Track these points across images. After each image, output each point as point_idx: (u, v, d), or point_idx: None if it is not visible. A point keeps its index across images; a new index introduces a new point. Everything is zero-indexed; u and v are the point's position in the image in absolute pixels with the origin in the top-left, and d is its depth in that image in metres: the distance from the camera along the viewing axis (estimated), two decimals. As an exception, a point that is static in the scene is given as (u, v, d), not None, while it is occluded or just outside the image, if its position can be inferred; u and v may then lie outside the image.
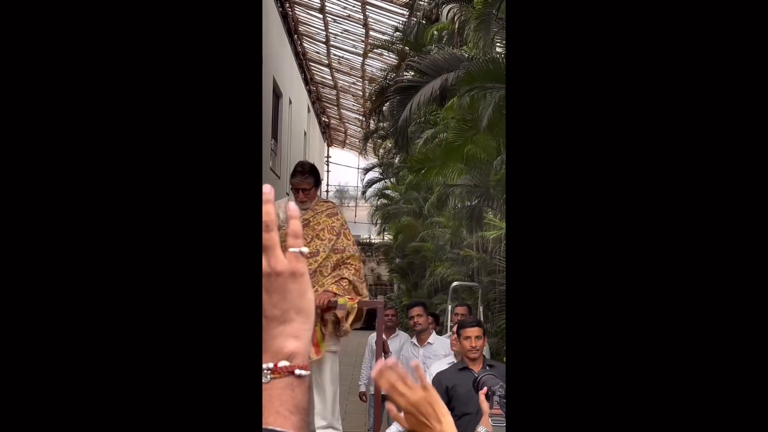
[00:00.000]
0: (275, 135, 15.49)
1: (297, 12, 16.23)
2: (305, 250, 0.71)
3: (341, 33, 16.22)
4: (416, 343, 4.99)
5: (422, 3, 10.77)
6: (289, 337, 0.66)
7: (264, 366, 0.65)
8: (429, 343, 4.91)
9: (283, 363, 0.65)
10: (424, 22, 10.71)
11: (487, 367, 3.24)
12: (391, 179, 17.36)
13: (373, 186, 19.27)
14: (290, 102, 17.09)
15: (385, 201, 17.88)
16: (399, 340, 5.47)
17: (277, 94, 15.39)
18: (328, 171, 29.63)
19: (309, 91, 21.24)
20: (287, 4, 15.43)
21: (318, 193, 3.96)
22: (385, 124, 13.69)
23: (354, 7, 14.46)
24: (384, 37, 13.94)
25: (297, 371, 0.65)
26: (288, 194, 17.45)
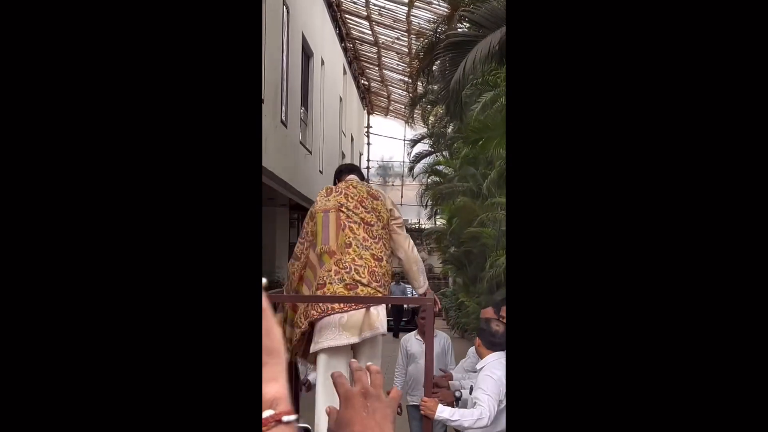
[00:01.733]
0: (305, 102, 15.57)
1: (329, -45, 16.25)
2: (264, 280, 0.78)
3: (382, -21, 16.19)
4: None
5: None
6: (266, 382, 0.70)
7: None
8: None
9: (267, 413, 0.69)
10: (480, -38, 10.59)
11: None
12: (444, 152, 17.30)
13: (423, 161, 19.21)
14: (323, 62, 17.15)
15: (437, 179, 17.82)
16: (439, 342, 5.44)
17: (306, 54, 15.45)
18: (368, 143, 29.71)
19: (345, 50, 21.24)
20: (317, -53, 15.45)
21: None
22: (435, 87, 13.61)
23: (396, -53, 14.39)
24: (433, -17, 13.87)
25: (284, 418, 0.69)
26: (321, 172, 17.55)
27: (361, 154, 28.33)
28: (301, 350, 3.80)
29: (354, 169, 4.22)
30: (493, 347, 3.70)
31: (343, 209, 3.68)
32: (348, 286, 3.55)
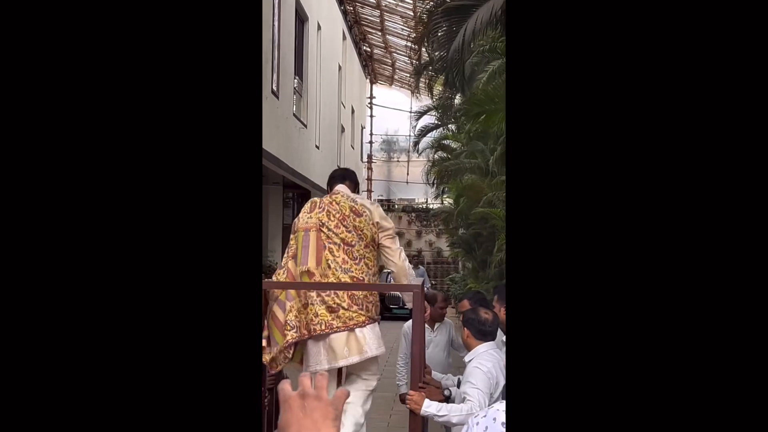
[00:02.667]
0: (299, 71, 15.55)
1: None
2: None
3: (383, -65, 16.07)
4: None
5: None
6: None
7: None
8: None
9: None
10: None
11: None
12: (451, 126, 17.24)
13: (429, 135, 19.11)
14: (319, 27, 17.09)
15: (444, 154, 17.78)
16: (446, 329, 5.65)
17: (301, 18, 15.39)
18: (371, 116, 29.66)
19: (344, 13, 21.12)
20: None
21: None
22: (437, 54, 13.55)
23: None
24: (438, -61, 13.76)
25: None
26: (317, 147, 17.47)
27: (363, 128, 28.29)
28: (289, 358, 3.93)
29: (346, 176, 4.32)
30: (484, 337, 3.75)
31: (324, 229, 3.87)
32: (330, 309, 3.77)
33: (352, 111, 24.61)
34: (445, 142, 17.75)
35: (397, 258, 4.05)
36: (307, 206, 4.06)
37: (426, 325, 5.43)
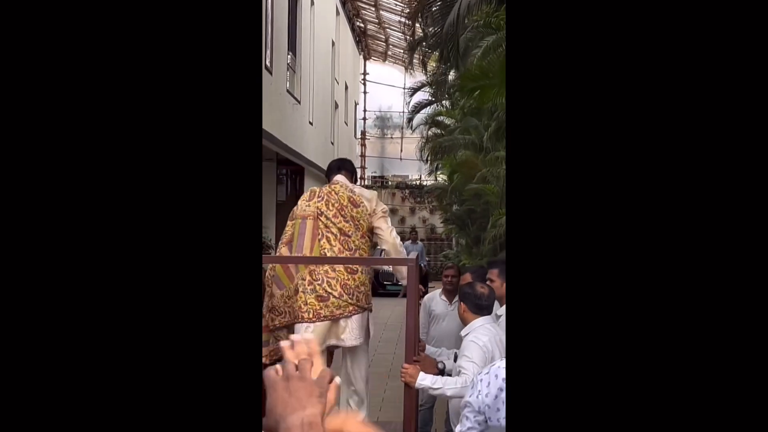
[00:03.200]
0: (293, 47, 15.47)
1: None
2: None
3: None
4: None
5: None
6: None
7: None
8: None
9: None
10: None
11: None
12: (445, 102, 17.20)
13: (423, 111, 19.07)
14: (312, 2, 16.99)
15: (438, 130, 17.75)
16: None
17: (294, -7, 15.29)
18: (365, 92, 29.55)
19: (337, -12, 20.99)
20: None
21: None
22: (432, 30, 13.49)
23: None
24: None
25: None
26: (310, 123, 17.40)
27: (356, 104, 28.19)
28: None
29: (343, 166, 4.40)
30: (481, 311, 3.76)
31: (322, 218, 3.97)
32: (319, 298, 3.86)
33: (346, 87, 24.51)
34: (438, 118, 17.71)
35: (388, 236, 4.16)
36: (306, 195, 4.19)
37: (444, 299, 5.63)
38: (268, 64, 12.58)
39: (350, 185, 4.20)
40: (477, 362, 3.47)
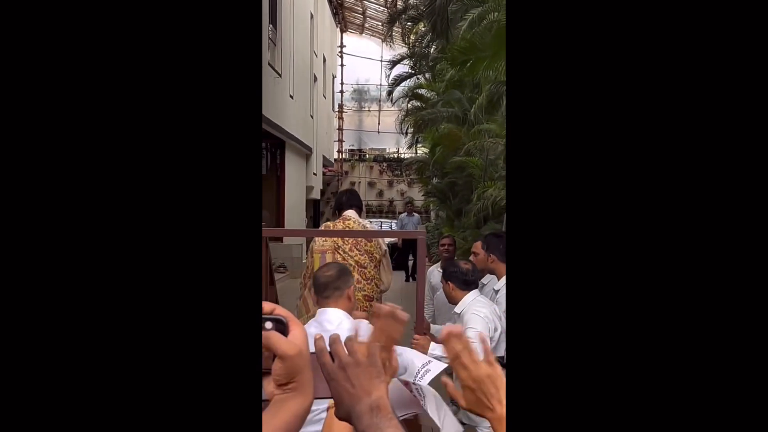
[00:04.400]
0: (273, 20, 15.31)
1: None
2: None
3: None
4: None
5: None
6: None
7: None
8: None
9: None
10: None
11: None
12: (426, 75, 17.15)
13: (402, 84, 19.01)
14: (291, -26, 16.78)
15: (418, 103, 17.71)
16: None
17: (274, -35, 15.10)
18: (342, 65, 29.35)
19: (315, -40, 20.75)
20: None
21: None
22: (416, 2, 13.42)
23: None
24: None
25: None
26: (291, 97, 17.28)
27: (334, 77, 28.02)
28: None
29: (352, 202, 4.66)
30: (468, 286, 3.84)
31: (339, 251, 4.27)
32: None
33: (324, 60, 24.33)
34: (419, 91, 17.64)
35: (387, 275, 4.52)
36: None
37: (440, 269, 5.78)
38: (250, 36, 12.42)
39: (361, 220, 4.48)
40: (483, 332, 3.51)
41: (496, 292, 4.21)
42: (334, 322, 2.96)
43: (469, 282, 3.84)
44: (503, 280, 4.23)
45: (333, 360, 1.14)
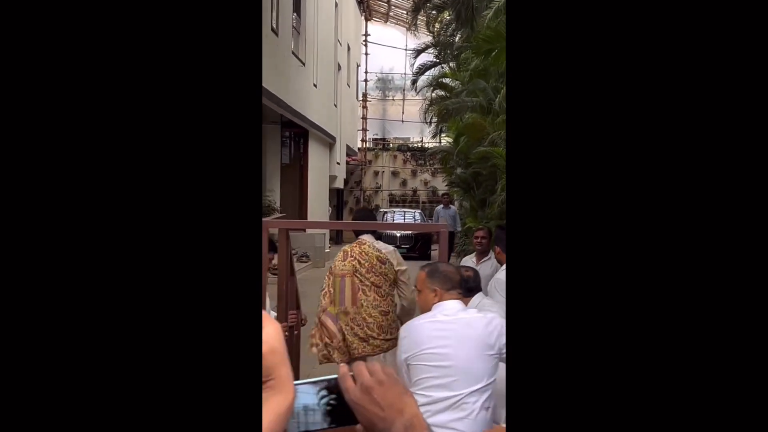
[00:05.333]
0: (297, 8, 15.19)
1: None
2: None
3: None
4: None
5: None
6: None
7: None
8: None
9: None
10: None
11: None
12: (450, 64, 17.01)
13: (427, 73, 18.92)
14: (316, -37, 16.67)
15: (443, 93, 17.57)
16: (491, 264, 5.88)
17: (298, -47, 14.99)
18: (366, 54, 29.21)
19: (340, -52, 20.62)
20: None
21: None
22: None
23: None
24: None
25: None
26: (315, 85, 17.32)
27: (358, 66, 27.89)
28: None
29: (369, 226, 5.12)
30: (471, 292, 4.02)
31: (357, 274, 4.67)
32: (361, 339, 4.64)
33: (348, 49, 24.21)
34: (444, 80, 17.48)
35: (408, 292, 4.79)
36: (340, 255, 4.84)
37: (474, 259, 6.22)
38: (273, 25, 12.34)
39: (375, 244, 4.84)
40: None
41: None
42: (450, 313, 3.18)
43: (471, 288, 4.00)
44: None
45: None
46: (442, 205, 17.24)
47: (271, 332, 1.00)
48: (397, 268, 4.80)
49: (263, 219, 4.94)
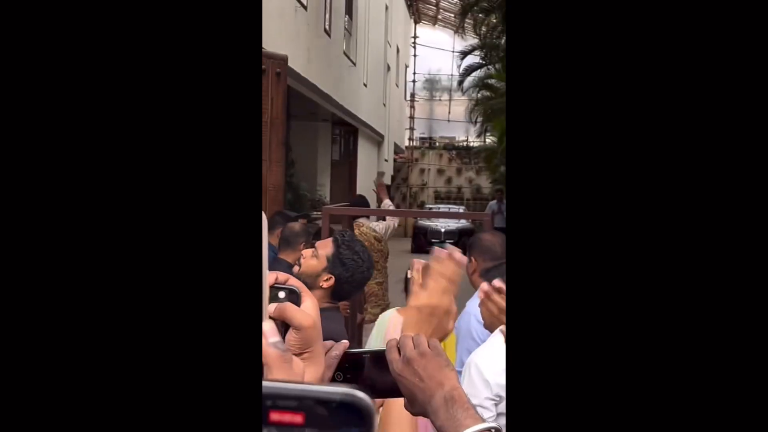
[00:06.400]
0: (349, 11, 15.40)
1: None
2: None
3: None
4: None
5: None
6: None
7: None
8: None
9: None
10: None
11: None
12: (496, 65, 17.05)
13: (473, 74, 18.92)
14: (368, -33, 16.85)
15: (488, 93, 17.63)
16: None
17: (351, -42, 15.19)
18: (415, 55, 29.35)
19: (391, -48, 20.77)
20: None
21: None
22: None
23: None
24: None
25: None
26: (365, 85, 17.31)
27: (407, 67, 28.03)
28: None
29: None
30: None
31: None
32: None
33: (397, 50, 24.34)
34: (489, 81, 17.56)
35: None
36: None
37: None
38: (326, 27, 12.56)
39: (371, 224, 5.54)
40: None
41: None
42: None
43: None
44: None
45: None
46: (495, 200, 16.92)
47: (311, 305, 0.95)
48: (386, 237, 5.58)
49: (325, 206, 5.40)
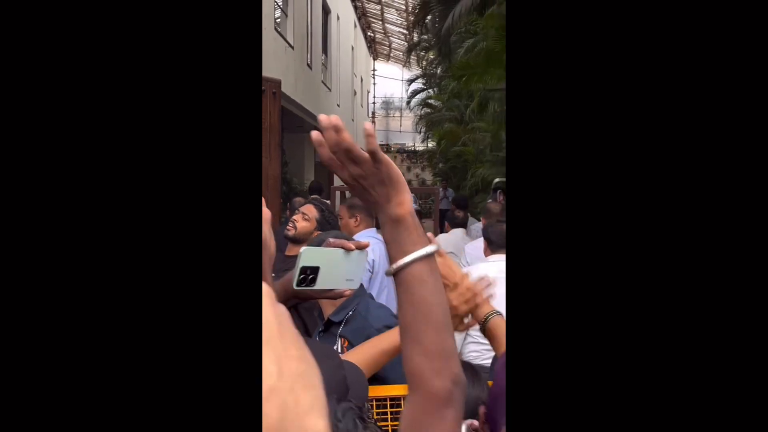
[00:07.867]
0: (325, 50, 15.31)
1: (341, -72, 15.54)
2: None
3: (384, -53, 15.53)
4: None
5: None
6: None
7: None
8: None
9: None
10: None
11: None
12: (434, 89, 17.10)
13: (417, 96, 19.01)
14: (338, 18, 16.73)
15: (429, 110, 17.68)
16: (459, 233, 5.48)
17: (326, 11, 15.08)
18: (374, 84, 29.24)
19: (355, 7, 20.65)
20: None
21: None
22: (427, 36, 13.36)
23: None
24: (425, -50, 13.33)
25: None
26: (338, 105, 17.18)
27: (368, 92, 27.95)
28: None
29: (320, 190, 5.03)
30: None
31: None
32: None
33: (361, 80, 24.23)
34: (429, 100, 17.59)
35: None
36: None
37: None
38: (309, 62, 12.49)
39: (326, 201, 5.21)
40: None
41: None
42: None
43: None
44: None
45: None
46: (442, 188, 16.71)
47: None
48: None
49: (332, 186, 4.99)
